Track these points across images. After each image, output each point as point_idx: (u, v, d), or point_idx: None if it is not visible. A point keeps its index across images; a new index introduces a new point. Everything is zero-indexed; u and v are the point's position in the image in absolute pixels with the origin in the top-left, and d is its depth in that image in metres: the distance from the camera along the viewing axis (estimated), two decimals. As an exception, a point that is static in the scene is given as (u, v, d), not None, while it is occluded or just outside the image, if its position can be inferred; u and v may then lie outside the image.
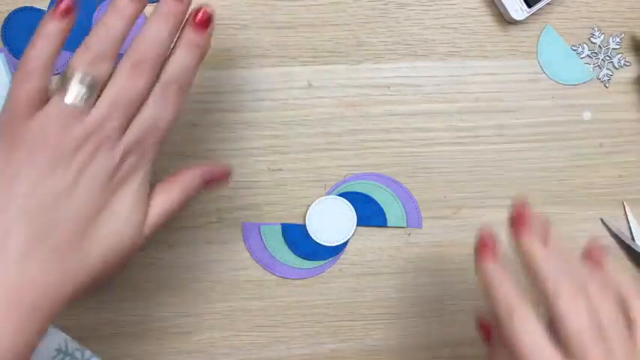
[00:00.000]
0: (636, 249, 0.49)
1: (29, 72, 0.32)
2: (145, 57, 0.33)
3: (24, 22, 0.45)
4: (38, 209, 0.31)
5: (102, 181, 0.33)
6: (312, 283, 0.48)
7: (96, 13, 0.45)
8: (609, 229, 0.49)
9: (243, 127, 0.47)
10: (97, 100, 0.32)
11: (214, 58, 0.46)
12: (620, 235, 0.49)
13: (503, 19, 0.48)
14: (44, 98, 0.32)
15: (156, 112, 0.34)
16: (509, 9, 0.47)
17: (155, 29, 0.33)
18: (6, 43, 0.45)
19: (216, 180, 0.38)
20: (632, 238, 0.49)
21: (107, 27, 0.33)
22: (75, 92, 0.32)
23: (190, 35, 0.34)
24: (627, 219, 0.49)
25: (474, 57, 0.48)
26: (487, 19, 0.48)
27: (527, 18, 0.47)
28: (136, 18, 0.33)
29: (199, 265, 0.47)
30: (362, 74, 0.47)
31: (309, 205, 0.47)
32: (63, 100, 0.32)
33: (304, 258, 0.47)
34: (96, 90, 0.32)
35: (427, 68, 0.48)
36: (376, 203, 0.48)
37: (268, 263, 0.47)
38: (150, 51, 0.33)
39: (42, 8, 0.45)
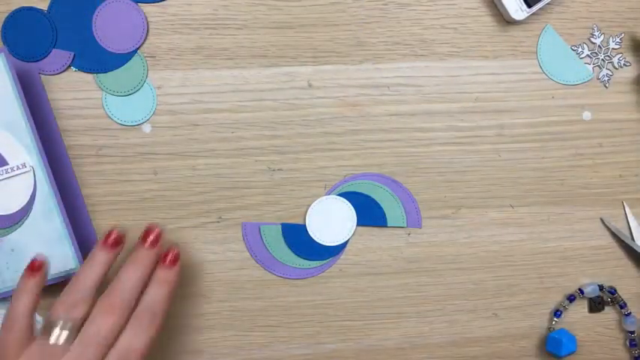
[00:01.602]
0: (636, 249, 0.49)
1: (14, 323, 0.38)
2: (119, 298, 0.39)
3: (24, 22, 0.45)
4: None
5: None
6: (312, 283, 0.48)
7: (95, 13, 0.45)
8: (609, 229, 0.49)
9: (243, 127, 0.47)
10: (76, 335, 0.37)
11: (214, 59, 0.46)
12: (620, 235, 0.49)
13: (503, 19, 0.48)
14: (29, 338, 0.38)
15: (130, 339, 0.38)
16: (509, 9, 0.47)
17: (130, 275, 0.39)
18: (6, 43, 0.45)
19: None
20: (632, 238, 0.49)
21: (82, 278, 0.39)
22: (56, 334, 0.37)
23: (161, 273, 0.40)
24: (627, 219, 0.49)
25: (473, 57, 0.48)
26: (487, 19, 0.48)
27: (527, 18, 0.47)
28: (109, 263, 0.40)
29: (199, 265, 0.47)
30: (362, 74, 0.47)
31: (309, 205, 0.47)
32: (46, 340, 0.37)
33: (304, 258, 0.47)
34: (75, 331, 0.38)
35: (427, 68, 0.48)
36: (376, 203, 0.48)
37: (268, 263, 0.47)
38: (124, 293, 0.39)
39: (42, 8, 0.45)
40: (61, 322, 0.38)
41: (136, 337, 0.38)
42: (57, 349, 0.37)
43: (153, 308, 0.39)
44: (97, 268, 0.39)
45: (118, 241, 0.40)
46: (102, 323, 0.38)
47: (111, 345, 0.38)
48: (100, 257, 0.40)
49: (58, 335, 0.37)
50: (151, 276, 0.41)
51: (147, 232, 0.41)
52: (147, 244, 0.41)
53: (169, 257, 0.41)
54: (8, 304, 0.45)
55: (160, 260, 0.41)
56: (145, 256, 0.40)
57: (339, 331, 0.48)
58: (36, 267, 0.39)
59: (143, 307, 0.39)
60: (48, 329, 0.38)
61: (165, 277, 0.40)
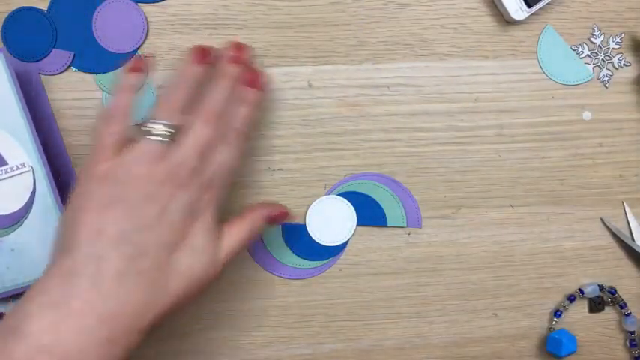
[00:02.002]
0: (636, 249, 0.49)
1: (115, 116, 0.38)
2: (214, 112, 0.39)
3: (24, 22, 0.45)
4: (129, 237, 0.35)
5: (181, 215, 0.36)
6: (312, 283, 0.48)
7: (95, 13, 0.45)
8: (609, 229, 0.49)
9: (243, 127, 0.47)
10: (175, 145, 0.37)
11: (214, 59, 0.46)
12: (620, 235, 0.49)
13: (503, 19, 0.48)
14: (125, 140, 0.37)
15: (224, 156, 0.39)
16: (509, 9, 0.47)
17: (219, 90, 0.40)
18: (6, 43, 0.45)
19: (277, 219, 0.43)
20: (632, 238, 0.49)
21: (182, 87, 0.39)
22: (161, 134, 0.37)
23: (246, 93, 0.41)
24: (627, 219, 0.49)
25: (473, 57, 0.48)
26: (487, 19, 0.48)
27: (527, 18, 0.47)
28: (198, 79, 0.40)
29: (199, 265, 0.47)
30: (362, 74, 0.47)
31: (309, 205, 0.47)
32: (151, 140, 0.36)
33: (304, 258, 0.47)
34: (176, 135, 0.37)
35: (427, 68, 0.48)
36: (376, 203, 0.48)
37: (268, 263, 0.47)
38: (217, 107, 0.39)
39: (42, 8, 0.45)
40: (164, 122, 0.37)
41: (228, 153, 0.39)
42: (161, 151, 0.36)
43: (240, 127, 0.40)
44: (190, 81, 0.40)
45: (207, 57, 0.41)
46: (203, 133, 0.38)
47: (207, 158, 0.38)
48: (190, 72, 0.40)
49: (162, 136, 0.37)
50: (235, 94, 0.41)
51: (234, 49, 0.42)
52: (232, 61, 0.41)
53: (255, 78, 0.42)
54: (8, 304, 0.45)
55: (245, 81, 0.41)
56: (231, 71, 0.41)
57: (339, 331, 0.48)
58: (135, 67, 0.40)
59: (232, 125, 0.40)
60: (151, 129, 0.37)
61: (250, 97, 0.41)
